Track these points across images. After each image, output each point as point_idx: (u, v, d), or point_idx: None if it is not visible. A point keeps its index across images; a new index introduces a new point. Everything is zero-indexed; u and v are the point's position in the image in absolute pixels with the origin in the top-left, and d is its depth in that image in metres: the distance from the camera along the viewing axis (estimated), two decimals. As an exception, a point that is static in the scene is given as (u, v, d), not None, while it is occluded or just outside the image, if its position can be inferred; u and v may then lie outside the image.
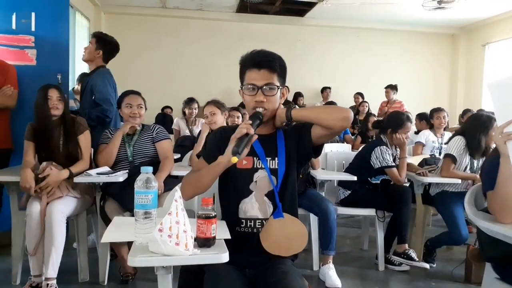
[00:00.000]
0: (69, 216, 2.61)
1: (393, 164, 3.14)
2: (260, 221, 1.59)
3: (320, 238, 2.91)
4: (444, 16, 7.45)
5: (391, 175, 3.13)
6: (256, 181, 1.60)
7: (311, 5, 7.62)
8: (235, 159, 1.40)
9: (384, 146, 3.14)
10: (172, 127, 5.50)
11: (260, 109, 1.55)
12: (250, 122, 1.47)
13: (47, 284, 2.34)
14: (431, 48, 9.19)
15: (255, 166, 1.60)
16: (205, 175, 1.54)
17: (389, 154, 3.13)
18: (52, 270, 2.37)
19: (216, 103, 3.39)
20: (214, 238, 1.30)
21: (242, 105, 4.23)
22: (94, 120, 3.16)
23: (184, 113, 5.44)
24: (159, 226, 1.20)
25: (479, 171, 2.80)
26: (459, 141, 3.07)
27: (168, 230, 1.20)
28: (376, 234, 3.12)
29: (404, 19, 8.31)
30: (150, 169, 1.33)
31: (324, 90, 8.19)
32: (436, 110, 4.46)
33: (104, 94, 3.20)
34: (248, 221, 1.60)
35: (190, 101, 5.40)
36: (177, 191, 1.30)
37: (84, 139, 2.82)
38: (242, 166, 1.58)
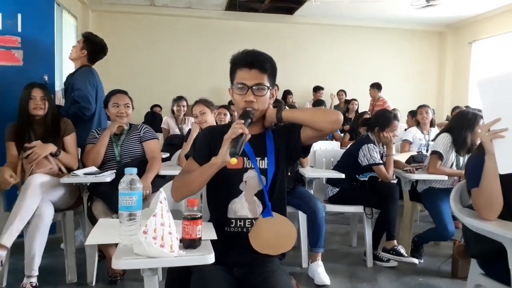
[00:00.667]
0: (53, 200, 2.55)
1: (381, 161, 3.16)
2: (250, 220, 1.60)
3: (308, 235, 2.93)
4: (432, 14, 7.50)
5: (379, 172, 3.16)
6: (246, 181, 1.61)
7: (300, 3, 7.62)
8: (234, 161, 1.40)
9: (372, 144, 3.16)
10: (161, 126, 5.48)
11: (249, 109, 1.55)
12: (243, 121, 1.47)
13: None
14: (419, 45, 9.25)
15: (245, 166, 1.60)
16: (198, 176, 1.53)
17: (376, 152, 3.15)
18: (8, 237, 2.29)
19: (205, 102, 3.38)
20: (200, 239, 1.30)
21: (231, 103, 4.23)
22: (71, 116, 3.13)
23: (173, 111, 5.42)
24: (144, 228, 1.20)
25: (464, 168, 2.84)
26: (446, 138, 3.11)
27: (153, 232, 1.20)
28: (364, 231, 3.15)
29: (392, 17, 8.35)
30: (134, 170, 1.33)
31: (318, 90, 8.11)
32: (420, 107, 4.57)
33: (83, 92, 3.19)
34: (238, 220, 1.60)
35: (178, 99, 5.38)
36: (161, 193, 1.29)
37: (70, 140, 2.83)
38: (232, 166, 1.58)
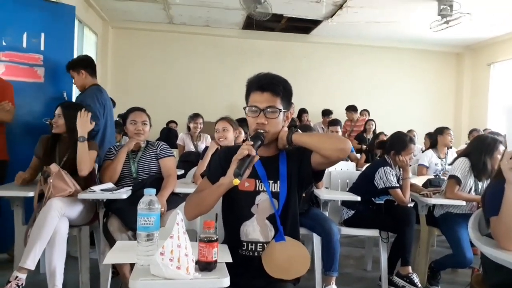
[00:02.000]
0: (70, 217, 2.57)
1: (397, 184, 3.13)
2: (261, 244, 1.60)
3: (323, 258, 2.88)
4: (449, 35, 7.48)
5: (395, 196, 3.12)
6: (257, 204, 1.61)
7: (317, 23, 7.69)
8: (236, 181, 1.41)
9: (388, 167, 3.14)
10: (177, 142, 5.53)
11: (261, 131, 1.56)
12: (252, 143, 1.48)
13: (16, 277, 2.28)
14: (436, 66, 9.22)
15: (257, 189, 1.61)
16: (208, 196, 1.55)
17: (392, 175, 3.12)
18: (31, 261, 2.31)
19: (229, 120, 3.42)
20: (215, 262, 1.30)
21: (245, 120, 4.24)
22: None
23: (189, 128, 5.47)
24: (161, 249, 1.21)
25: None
26: (464, 162, 3.06)
27: (170, 254, 1.21)
28: (379, 255, 3.10)
29: (409, 37, 8.36)
30: (153, 191, 1.34)
31: (327, 114, 7.97)
32: (446, 128, 4.50)
33: (92, 108, 3.29)
34: (250, 244, 1.60)
35: (195, 116, 5.44)
36: (178, 214, 1.30)
37: (92, 154, 2.89)
38: (244, 188, 1.59)
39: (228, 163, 1.56)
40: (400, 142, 3.22)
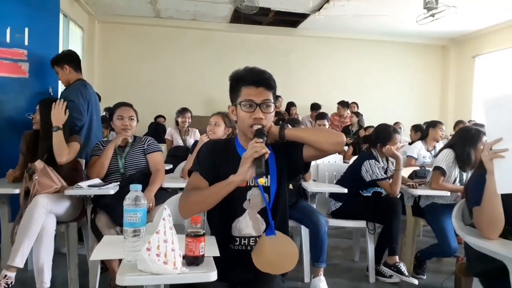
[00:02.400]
0: (57, 213, 2.56)
1: (384, 176, 3.16)
2: (254, 238, 1.61)
3: (311, 250, 2.92)
4: (435, 28, 7.55)
5: (384, 187, 3.17)
6: (249, 199, 1.62)
7: (304, 16, 7.70)
8: (262, 181, 1.48)
9: (373, 160, 3.17)
10: (165, 137, 5.51)
11: (258, 126, 1.55)
12: (261, 140, 1.48)
13: (5, 275, 2.27)
14: (422, 59, 9.31)
15: (248, 184, 1.61)
16: (213, 194, 1.52)
17: (378, 167, 3.15)
18: (20, 259, 2.30)
19: (224, 117, 3.34)
20: (202, 256, 1.31)
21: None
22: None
23: (177, 122, 5.45)
24: (147, 245, 1.21)
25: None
26: (448, 154, 3.11)
27: (156, 249, 1.22)
28: (367, 245, 3.14)
29: (396, 30, 8.41)
30: (139, 186, 1.34)
31: (316, 108, 7.91)
32: (439, 122, 4.57)
33: (76, 104, 3.27)
34: (242, 239, 1.61)
35: (183, 111, 5.42)
36: (166, 209, 1.31)
37: (74, 146, 2.86)
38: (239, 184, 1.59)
39: (219, 158, 1.57)
40: (384, 133, 3.25)
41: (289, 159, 1.65)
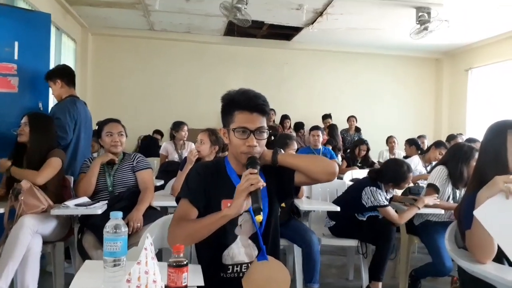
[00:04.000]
0: (43, 234, 2.50)
1: (386, 203, 3.05)
2: (246, 265, 1.57)
3: (303, 270, 2.86)
4: (428, 41, 7.59)
5: (386, 215, 3.04)
6: (241, 225, 1.57)
7: (298, 29, 7.71)
8: (260, 218, 1.39)
9: (374, 187, 3.05)
10: (160, 152, 5.41)
11: (252, 154, 1.51)
12: (255, 171, 1.43)
13: None
14: (415, 72, 9.33)
15: None
16: (206, 226, 1.46)
17: (380, 194, 3.04)
18: (3, 281, 2.25)
19: (210, 135, 3.26)
20: (185, 287, 1.26)
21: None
22: None
23: (172, 136, 5.39)
24: (128, 276, 1.16)
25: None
26: (441, 171, 3.09)
27: (137, 281, 1.16)
28: (361, 264, 3.09)
29: (389, 44, 8.44)
30: (119, 214, 1.30)
31: (326, 118, 7.95)
32: (443, 144, 4.55)
33: (62, 122, 3.26)
34: (235, 266, 1.57)
35: (180, 124, 5.35)
36: (148, 238, 1.26)
37: (52, 161, 2.76)
38: None
39: (209, 184, 1.53)
40: (397, 174, 3.07)
41: (280, 184, 1.61)
